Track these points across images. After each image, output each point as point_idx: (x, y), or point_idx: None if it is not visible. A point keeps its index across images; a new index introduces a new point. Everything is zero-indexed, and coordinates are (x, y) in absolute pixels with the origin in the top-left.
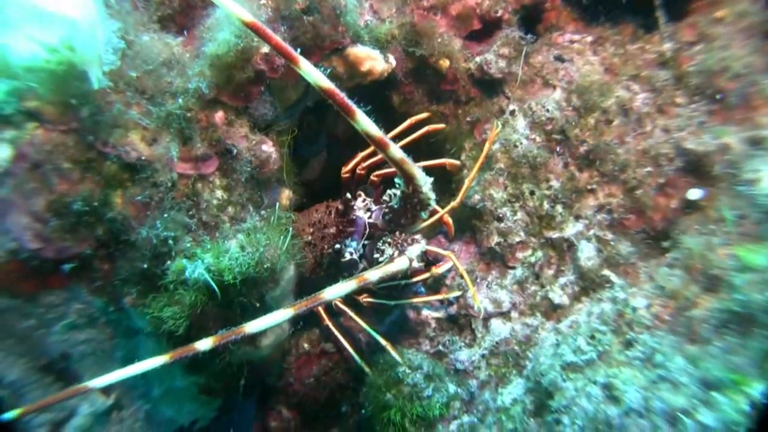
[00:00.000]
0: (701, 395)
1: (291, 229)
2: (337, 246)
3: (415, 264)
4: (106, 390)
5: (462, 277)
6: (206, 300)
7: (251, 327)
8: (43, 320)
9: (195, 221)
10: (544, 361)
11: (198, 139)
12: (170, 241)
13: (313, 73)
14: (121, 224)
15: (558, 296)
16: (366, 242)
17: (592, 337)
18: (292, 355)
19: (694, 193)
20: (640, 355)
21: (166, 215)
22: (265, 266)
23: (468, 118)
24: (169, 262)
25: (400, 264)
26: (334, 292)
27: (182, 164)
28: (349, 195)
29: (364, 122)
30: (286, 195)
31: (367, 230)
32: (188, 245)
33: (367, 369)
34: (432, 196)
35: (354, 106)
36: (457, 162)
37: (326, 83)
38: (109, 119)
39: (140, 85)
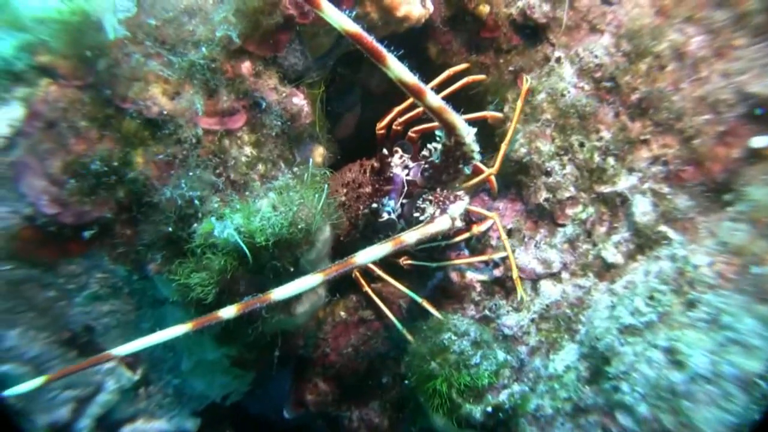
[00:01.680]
0: None
1: (326, 186)
2: (374, 205)
3: (458, 223)
4: (132, 364)
5: (504, 247)
6: (236, 265)
7: (278, 293)
8: (63, 291)
9: (223, 180)
10: (599, 324)
11: (224, 92)
12: (196, 202)
13: (336, 16)
14: (143, 185)
15: (612, 255)
16: (404, 201)
17: (651, 297)
18: (328, 324)
19: (760, 141)
20: (705, 317)
21: (191, 174)
22: (300, 227)
23: (510, 68)
24: (195, 224)
25: (441, 224)
26: (369, 255)
27: (207, 119)
28: (385, 151)
29: (397, 68)
30: (319, 152)
31: (406, 188)
32: (216, 206)
33: (409, 336)
34: (476, 147)
35: (384, 51)
36: (500, 114)
37: (351, 26)
38: (127, 72)
39: (160, 34)
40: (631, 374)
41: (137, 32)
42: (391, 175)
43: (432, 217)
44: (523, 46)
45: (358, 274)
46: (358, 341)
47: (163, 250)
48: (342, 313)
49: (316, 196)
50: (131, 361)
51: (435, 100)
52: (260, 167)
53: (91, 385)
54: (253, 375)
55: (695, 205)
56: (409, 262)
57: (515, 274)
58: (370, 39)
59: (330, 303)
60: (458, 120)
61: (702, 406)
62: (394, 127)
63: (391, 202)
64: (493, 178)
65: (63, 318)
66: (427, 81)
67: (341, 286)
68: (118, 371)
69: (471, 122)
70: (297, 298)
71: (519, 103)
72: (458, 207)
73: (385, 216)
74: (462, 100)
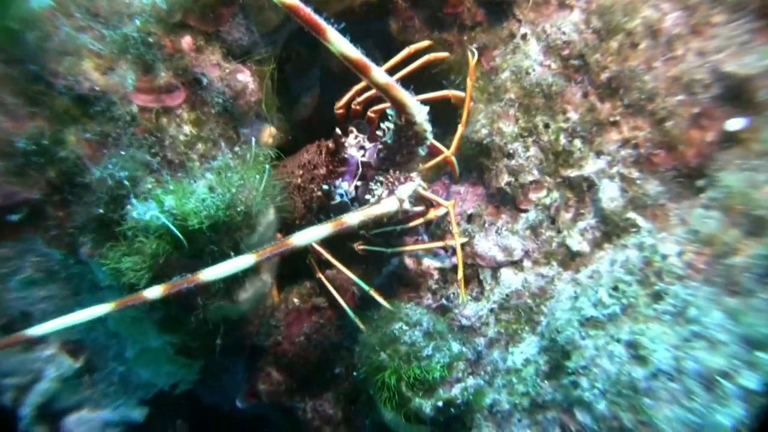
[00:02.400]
0: (744, 355)
1: (268, 167)
2: (325, 187)
3: (407, 205)
4: (74, 351)
5: (460, 236)
6: (171, 249)
7: (207, 274)
8: None
9: (158, 160)
10: (561, 316)
11: (162, 68)
12: (126, 182)
13: None
14: (74, 164)
15: (577, 243)
16: (359, 183)
17: (615, 288)
18: (281, 311)
19: (735, 123)
20: (671, 309)
21: (123, 153)
22: (239, 209)
23: (474, 45)
24: (129, 206)
25: (387, 205)
26: (306, 236)
27: (143, 96)
28: (339, 131)
29: (339, 42)
30: (268, 132)
31: (360, 170)
32: (150, 186)
33: (360, 325)
34: (428, 128)
35: (324, 23)
36: (462, 94)
37: None
38: (58, 46)
39: (93, 6)
40: (591, 369)
41: (68, 4)
42: (346, 156)
43: (378, 199)
44: (487, 22)
45: (312, 259)
46: (311, 329)
47: (95, 232)
48: (295, 300)
49: (259, 177)
50: (73, 347)
51: (381, 76)
52: (200, 147)
53: (31, 372)
54: (200, 364)
55: (666, 191)
56: (363, 247)
57: (460, 274)
58: (307, 11)
59: (284, 288)
60: (408, 98)
61: (663, 404)
62: (353, 106)
63: (345, 184)
64: (453, 159)
65: None
66: (387, 59)
67: (298, 272)
68: (59, 358)
69: (432, 102)
70: (240, 284)
71: (468, 81)
72: (407, 188)
73: (338, 198)
74: (425, 79)
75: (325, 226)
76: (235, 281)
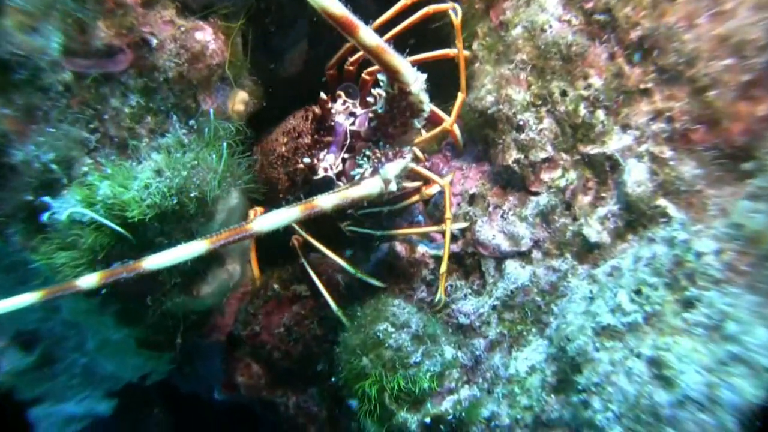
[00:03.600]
0: None
1: (225, 144)
2: (307, 159)
3: (393, 187)
4: (27, 343)
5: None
6: (112, 242)
7: (151, 262)
8: None
9: (97, 137)
10: (573, 320)
11: (101, 26)
12: (53, 166)
13: None
14: None
15: (595, 233)
16: (347, 155)
17: (638, 291)
18: (259, 298)
19: None
20: (705, 321)
21: (53, 130)
22: (191, 195)
23: None
24: (65, 190)
25: (369, 187)
26: (270, 221)
27: (79, 60)
28: (324, 95)
29: None
30: (240, 98)
31: (348, 140)
32: (86, 169)
33: (344, 320)
34: (425, 99)
35: None
36: (466, 52)
37: None
38: None
39: None
40: (605, 388)
41: None
42: (333, 123)
43: (360, 177)
44: None
45: (295, 241)
46: (291, 321)
47: (25, 221)
48: (275, 286)
49: (214, 157)
50: (26, 339)
51: (370, 37)
52: (149, 120)
53: None
54: (169, 356)
55: (704, 174)
56: (350, 228)
57: (444, 267)
58: None
59: (263, 272)
60: (401, 63)
61: None
62: (346, 67)
63: (330, 156)
64: (455, 129)
65: None
66: (381, 12)
67: (279, 254)
68: (10, 351)
69: (431, 62)
70: (201, 277)
71: (458, 44)
72: (394, 167)
73: (321, 173)
74: (424, 36)
75: (292, 210)
76: (195, 274)
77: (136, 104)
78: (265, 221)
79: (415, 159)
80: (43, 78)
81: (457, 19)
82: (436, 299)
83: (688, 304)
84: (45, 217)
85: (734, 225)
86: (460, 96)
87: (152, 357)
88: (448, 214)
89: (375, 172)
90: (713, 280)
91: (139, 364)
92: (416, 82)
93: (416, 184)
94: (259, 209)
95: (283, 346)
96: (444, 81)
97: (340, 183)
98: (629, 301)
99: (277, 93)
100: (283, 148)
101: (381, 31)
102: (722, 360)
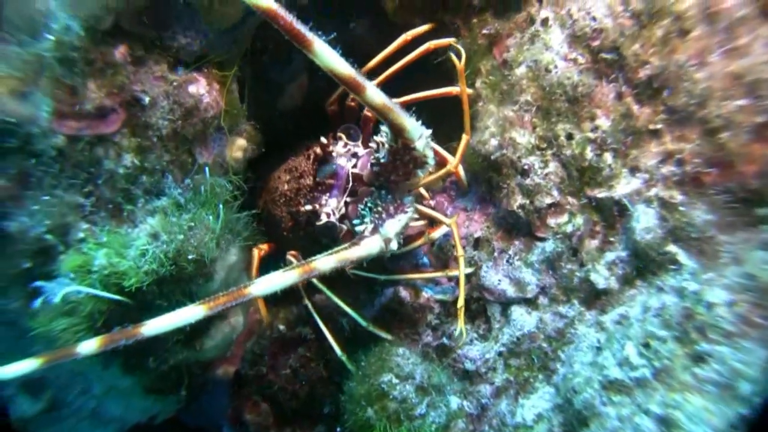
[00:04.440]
0: None
1: (222, 205)
2: (309, 207)
3: (394, 246)
4: (35, 391)
5: (450, 259)
6: (111, 307)
7: (150, 328)
8: None
9: (92, 200)
10: (580, 370)
11: (92, 87)
12: (48, 236)
13: None
14: None
15: (603, 279)
16: (349, 199)
17: (647, 345)
18: (265, 338)
19: None
20: (716, 378)
21: (47, 198)
22: (189, 257)
23: (485, 30)
24: (62, 256)
25: (369, 247)
26: (268, 284)
27: (71, 122)
28: (324, 139)
29: (327, 56)
30: (238, 145)
31: (350, 184)
32: (82, 235)
33: (350, 366)
34: (429, 154)
35: (309, 34)
36: (469, 90)
37: (265, 2)
38: None
39: None
40: None
41: None
42: (334, 167)
43: (360, 237)
44: (501, 2)
45: (291, 258)
46: (297, 363)
47: (23, 289)
48: (281, 327)
49: (211, 217)
50: (34, 387)
51: (377, 96)
52: (144, 179)
53: None
54: (176, 398)
55: (716, 219)
56: (354, 271)
57: (461, 301)
58: (289, 19)
59: (269, 310)
60: (407, 122)
61: None
62: (347, 104)
63: (333, 201)
64: (460, 170)
65: None
66: (382, 45)
67: (284, 293)
68: (19, 398)
69: (436, 100)
70: (204, 332)
71: (462, 87)
72: (395, 225)
73: (324, 218)
74: (425, 70)
75: (290, 273)
76: (197, 330)
77: (131, 164)
78: (262, 285)
79: (419, 198)
80: (35, 144)
81: (459, 63)
82: (457, 333)
83: (699, 358)
84: (38, 303)
85: (747, 275)
86: (465, 138)
87: (159, 399)
88: (459, 252)
89: (375, 230)
90: (725, 334)
91: (147, 406)
92: (421, 138)
93: (421, 223)
94: (263, 246)
95: (290, 387)
96: (446, 118)
97: (344, 226)
98: (637, 354)
99: (278, 128)
100: (286, 187)
101: (381, 66)
102: (733, 424)
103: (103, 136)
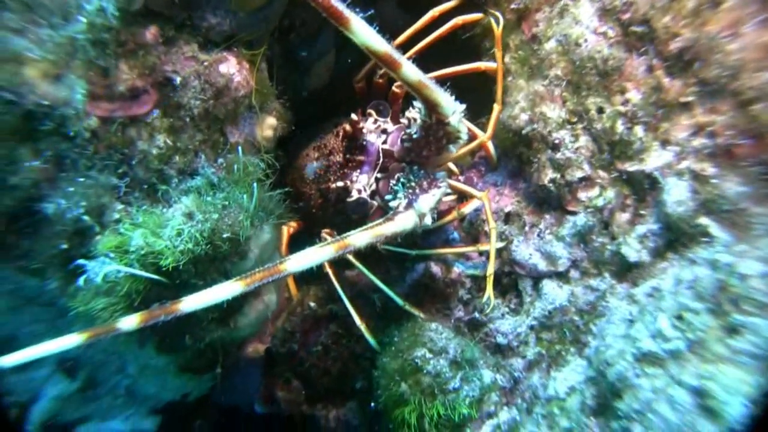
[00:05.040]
0: None
1: (256, 184)
2: (340, 183)
3: (428, 220)
4: (71, 370)
5: (480, 234)
6: (148, 286)
7: (188, 304)
8: None
9: (127, 181)
10: (612, 343)
11: (124, 68)
12: (85, 217)
13: None
14: (29, 192)
15: (634, 252)
16: (380, 175)
17: (680, 318)
18: (296, 315)
19: None
20: (751, 349)
21: (81, 179)
22: (224, 236)
23: (513, 5)
24: (98, 237)
25: (403, 222)
26: (303, 261)
27: (104, 104)
28: (354, 116)
29: (364, 33)
30: (268, 123)
31: (381, 159)
32: (117, 216)
33: (375, 345)
34: (463, 129)
35: (347, 11)
36: (496, 65)
37: None
38: None
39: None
40: (647, 415)
41: None
42: (364, 143)
43: (393, 214)
44: None
45: (326, 235)
46: (328, 340)
47: (61, 270)
48: (312, 304)
49: (245, 196)
50: (70, 366)
51: (413, 73)
52: (177, 159)
53: (29, 392)
54: (210, 375)
55: (750, 192)
56: (385, 246)
57: (490, 269)
58: None
59: (300, 288)
60: (442, 97)
61: None
62: (375, 80)
63: (363, 177)
64: (489, 144)
65: None
66: (409, 23)
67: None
68: (55, 378)
69: (462, 76)
70: (237, 310)
71: (497, 53)
72: (429, 200)
73: (355, 194)
74: (454, 45)
75: (326, 249)
76: (231, 308)
77: (164, 145)
78: (298, 261)
79: (450, 173)
80: (69, 126)
81: (497, 28)
82: (484, 301)
83: (733, 330)
84: (81, 281)
85: None
86: (496, 108)
87: (193, 378)
88: (491, 224)
89: (409, 205)
90: (759, 305)
91: (181, 384)
92: (455, 114)
93: (451, 198)
94: (293, 224)
95: (322, 364)
96: (473, 93)
97: (374, 202)
98: (671, 326)
99: (306, 105)
100: (315, 164)
101: (410, 42)
102: None
103: (135, 117)
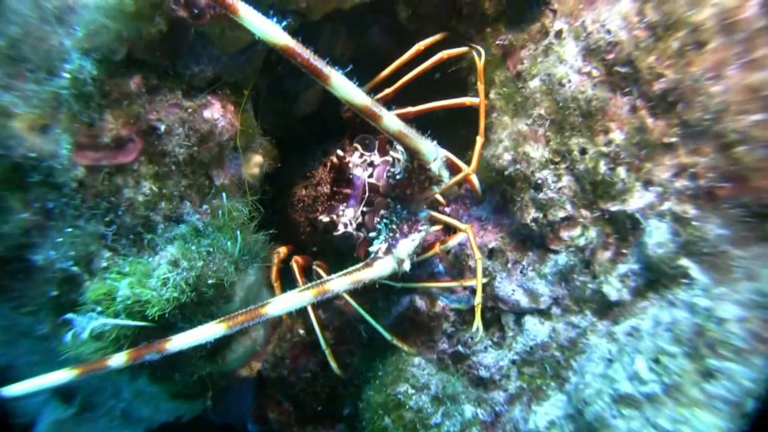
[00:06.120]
0: None
1: (240, 231)
2: (326, 218)
3: (406, 266)
4: (68, 396)
5: (464, 268)
6: (136, 331)
7: (175, 344)
8: None
9: (114, 228)
10: (591, 381)
11: (109, 118)
12: (73, 268)
13: (260, 26)
14: (20, 240)
15: (615, 291)
16: (366, 209)
17: (657, 360)
18: (286, 341)
19: None
20: (725, 394)
21: (69, 230)
22: (209, 282)
23: (498, 41)
24: (87, 284)
25: (382, 268)
26: (284, 305)
27: (90, 154)
28: (340, 152)
29: (344, 88)
30: (254, 162)
31: (367, 194)
32: (105, 264)
33: (337, 371)
34: (444, 174)
35: (326, 68)
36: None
37: (282, 39)
38: None
39: (15, 53)
40: None
41: None
42: (351, 176)
43: (373, 259)
44: (515, 11)
45: (294, 264)
46: (317, 366)
47: (51, 315)
48: (301, 331)
49: (229, 242)
50: (66, 392)
51: (393, 123)
52: (163, 205)
53: (28, 415)
54: (202, 400)
55: (730, 234)
56: None
57: (478, 298)
58: (306, 55)
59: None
60: (422, 145)
61: None
62: None
63: (350, 211)
64: (473, 177)
65: None
66: (396, 54)
67: None
68: (53, 404)
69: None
70: (226, 347)
71: (479, 86)
72: (407, 245)
73: (341, 229)
74: (438, 80)
75: (305, 294)
76: (219, 345)
77: (150, 191)
78: (278, 305)
79: (435, 204)
80: (56, 176)
81: (480, 61)
82: (473, 329)
83: (709, 375)
84: (68, 337)
85: (761, 292)
86: (479, 141)
87: (185, 402)
88: (477, 255)
89: (388, 250)
90: (735, 350)
91: (174, 408)
92: (436, 161)
93: (436, 228)
94: (282, 249)
95: (311, 389)
96: (459, 127)
97: (361, 234)
98: (648, 369)
99: (295, 132)
100: (303, 192)
101: (395, 75)
102: None
103: (121, 165)
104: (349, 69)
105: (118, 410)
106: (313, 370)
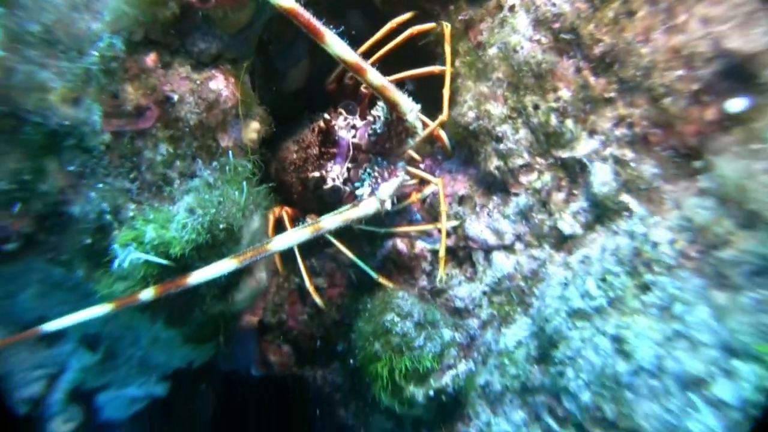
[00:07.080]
0: (722, 362)
1: (245, 184)
2: (316, 174)
3: (388, 205)
4: (92, 344)
5: (439, 214)
6: (160, 270)
7: (194, 278)
8: (4, 292)
9: (137, 184)
10: (550, 303)
11: (130, 90)
12: (107, 216)
13: None
14: (56, 198)
15: (568, 226)
16: (351, 165)
17: (604, 280)
18: (284, 290)
19: (735, 104)
20: (657, 302)
21: (100, 185)
22: (221, 226)
23: (461, 17)
24: (116, 232)
25: (367, 208)
26: (285, 241)
27: (114, 121)
28: (327, 115)
29: (336, 46)
30: (252, 128)
31: (351, 152)
32: (131, 214)
33: (322, 305)
34: (418, 125)
35: (322, 28)
36: (449, 67)
37: (286, 1)
38: (22, 83)
39: (49, 36)
40: (577, 360)
41: (19, 40)
42: (337, 138)
43: (359, 200)
44: None
45: (284, 213)
46: (313, 309)
47: (87, 260)
48: (296, 279)
49: (236, 192)
50: (91, 341)
51: (376, 78)
52: (178, 164)
53: (57, 364)
54: (211, 345)
55: (662, 173)
56: (359, 226)
57: (442, 251)
58: (306, 16)
59: (287, 265)
60: (400, 98)
61: (643, 400)
62: (345, 81)
63: (336, 167)
64: (443, 134)
65: (12, 314)
66: (372, 31)
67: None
68: (79, 352)
69: (418, 80)
70: (235, 286)
71: (446, 48)
72: (388, 188)
73: (330, 183)
74: (410, 52)
75: (303, 231)
76: (229, 285)
77: (166, 152)
78: (280, 242)
79: (412, 161)
80: (87, 141)
81: (447, 27)
82: (437, 279)
83: (645, 288)
84: (116, 264)
85: (686, 218)
86: (446, 93)
87: (196, 347)
88: (443, 207)
89: (372, 193)
90: (666, 266)
91: (186, 353)
92: (411, 112)
93: (413, 182)
94: (277, 210)
95: (308, 331)
96: (429, 94)
97: (347, 188)
98: (596, 288)
99: (285, 106)
100: (294, 156)
101: (371, 50)
102: (669, 336)
103: (141, 130)
104: (340, 30)
105: (136, 358)
106: (309, 313)
